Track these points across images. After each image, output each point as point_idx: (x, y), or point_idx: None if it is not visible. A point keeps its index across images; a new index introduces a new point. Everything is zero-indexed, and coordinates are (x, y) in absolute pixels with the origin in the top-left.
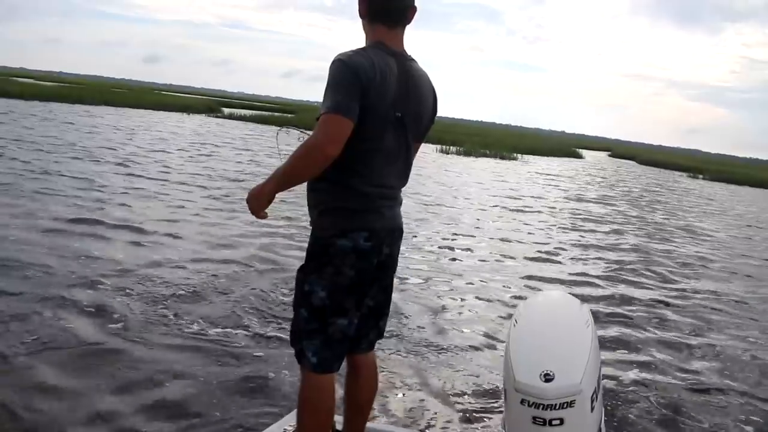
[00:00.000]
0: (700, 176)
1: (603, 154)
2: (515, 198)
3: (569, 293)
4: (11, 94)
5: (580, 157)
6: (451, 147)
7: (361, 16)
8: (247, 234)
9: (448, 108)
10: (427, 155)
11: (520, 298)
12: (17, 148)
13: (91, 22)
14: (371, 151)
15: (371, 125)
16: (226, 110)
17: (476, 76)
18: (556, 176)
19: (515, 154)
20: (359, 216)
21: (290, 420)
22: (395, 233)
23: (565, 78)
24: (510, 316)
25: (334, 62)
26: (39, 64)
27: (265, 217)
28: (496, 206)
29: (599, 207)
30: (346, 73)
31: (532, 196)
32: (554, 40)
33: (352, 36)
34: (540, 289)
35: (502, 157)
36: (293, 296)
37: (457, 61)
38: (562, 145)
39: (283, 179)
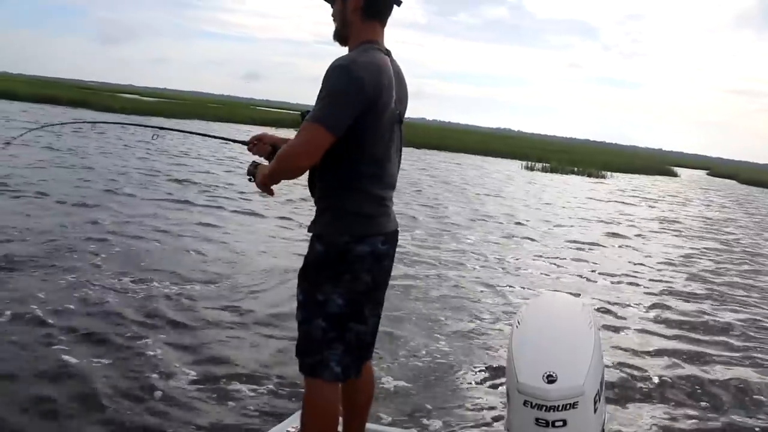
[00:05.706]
0: None
1: (701, 173)
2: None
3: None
4: (113, 109)
5: (674, 175)
6: (537, 164)
7: (353, 10)
8: None
9: (540, 124)
10: (513, 172)
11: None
12: None
13: (194, 42)
14: (383, 152)
15: (384, 128)
16: None
17: (570, 92)
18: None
19: (603, 172)
20: (376, 220)
21: (293, 422)
22: (397, 234)
23: (663, 94)
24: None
25: (336, 68)
26: (146, 81)
27: (272, 194)
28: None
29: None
30: (347, 84)
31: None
32: (651, 55)
33: (444, 52)
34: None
35: (590, 175)
36: (297, 308)
37: (551, 77)
38: (656, 163)
39: (270, 178)
